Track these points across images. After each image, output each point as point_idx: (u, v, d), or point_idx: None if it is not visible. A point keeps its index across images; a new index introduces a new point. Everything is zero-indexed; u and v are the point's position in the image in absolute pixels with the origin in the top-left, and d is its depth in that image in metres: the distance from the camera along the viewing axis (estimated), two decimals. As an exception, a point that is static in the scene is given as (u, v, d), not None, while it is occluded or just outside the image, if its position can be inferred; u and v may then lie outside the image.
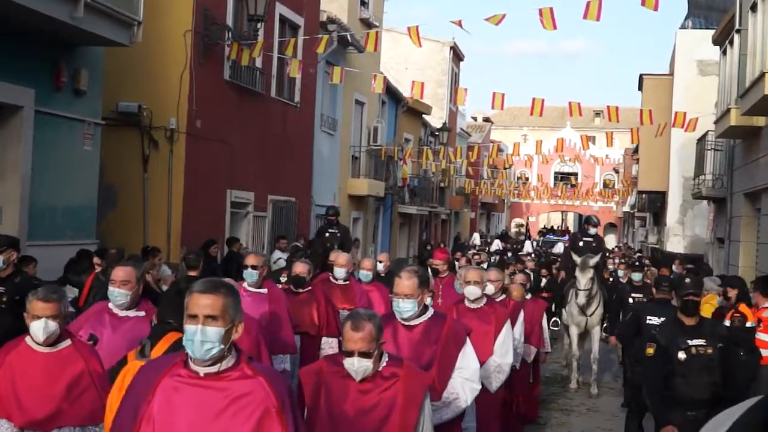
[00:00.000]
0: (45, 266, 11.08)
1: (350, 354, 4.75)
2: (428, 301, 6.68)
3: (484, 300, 7.64)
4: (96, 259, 11.53)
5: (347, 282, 10.38)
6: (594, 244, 15.72)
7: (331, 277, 10.42)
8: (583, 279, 14.39)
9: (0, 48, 10.84)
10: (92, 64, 12.93)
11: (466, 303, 7.52)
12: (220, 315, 3.70)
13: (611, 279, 18.40)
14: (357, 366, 4.73)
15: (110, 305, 6.58)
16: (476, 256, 23.59)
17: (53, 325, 5.41)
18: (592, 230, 16.26)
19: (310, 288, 9.43)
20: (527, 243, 39.61)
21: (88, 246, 12.45)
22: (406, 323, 5.96)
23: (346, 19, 23.34)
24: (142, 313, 6.53)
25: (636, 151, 42.95)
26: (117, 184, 15.23)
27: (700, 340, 7.49)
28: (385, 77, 17.31)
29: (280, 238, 17.94)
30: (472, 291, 7.43)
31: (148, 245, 13.83)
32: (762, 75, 12.79)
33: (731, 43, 17.80)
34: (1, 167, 11.37)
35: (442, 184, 40.32)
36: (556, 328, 15.76)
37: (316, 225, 20.98)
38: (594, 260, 14.44)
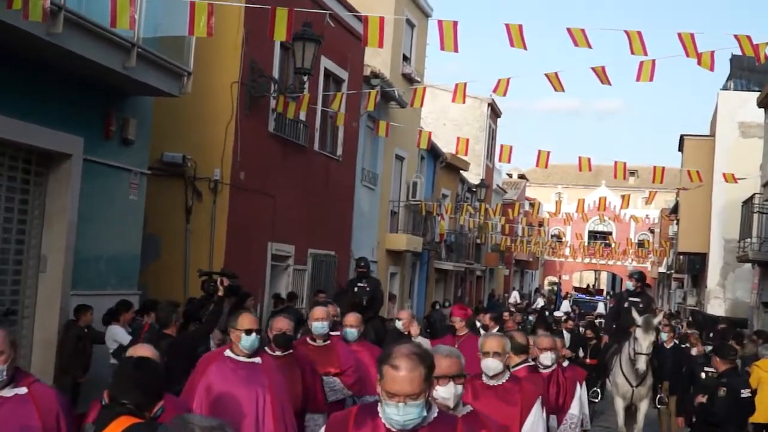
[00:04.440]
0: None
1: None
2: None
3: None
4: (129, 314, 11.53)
5: (327, 342, 8.64)
6: (642, 305, 14.04)
7: (308, 338, 8.67)
8: (645, 341, 12.73)
9: (51, 96, 10.80)
10: (141, 114, 12.87)
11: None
12: None
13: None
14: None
15: None
16: (513, 316, 22.47)
17: None
18: (629, 284, 15.10)
19: (291, 351, 7.77)
20: (565, 302, 38.44)
21: (130, 296, 12.32)
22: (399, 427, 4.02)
23: (388, 74, 23.36)
24: (23, 390, 4.85)
25: (673, 211, 42.57)
26: (160, 234, 15.12)
27: None
28: (430, 133, 17.17)
29: (319, 292, 17.70)
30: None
31: (192, 297, 13.68)
32: (819, 138, 12.53)
33: (780, 105, 17.54)
34: (48, 215, 11.23)
35: (478, 241, 40.08)
36: (596, 401, 14.18)
37: (356, 280, 20.71)
38: (657, 319, 13.29)
